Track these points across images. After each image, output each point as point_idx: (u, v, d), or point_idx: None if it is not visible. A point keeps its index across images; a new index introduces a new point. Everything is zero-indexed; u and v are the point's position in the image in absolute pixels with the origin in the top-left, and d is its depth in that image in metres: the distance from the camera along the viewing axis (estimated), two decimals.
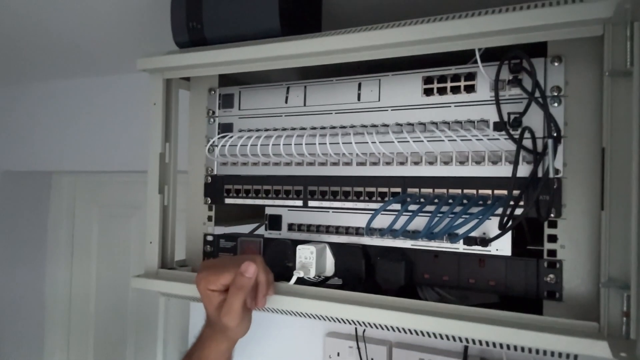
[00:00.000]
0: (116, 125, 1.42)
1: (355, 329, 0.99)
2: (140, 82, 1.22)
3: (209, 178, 0.76)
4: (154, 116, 0.75)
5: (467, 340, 0.54)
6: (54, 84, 1.54)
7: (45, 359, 1.71)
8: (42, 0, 0.91)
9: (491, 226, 0.57)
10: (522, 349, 0.52)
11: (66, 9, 0.94)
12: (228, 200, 0.74)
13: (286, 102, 0.70)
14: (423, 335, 0.57)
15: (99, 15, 0.96)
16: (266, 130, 0.71)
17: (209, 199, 0.76)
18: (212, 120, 0.76)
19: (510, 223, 0.54)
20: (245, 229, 0.83)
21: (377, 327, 0.59)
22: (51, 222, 1.74)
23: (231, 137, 0.71)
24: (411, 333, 0.57)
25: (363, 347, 0.98)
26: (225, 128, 0.75)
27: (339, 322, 0.61)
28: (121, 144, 1.39)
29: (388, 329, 0.58)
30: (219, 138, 0.73)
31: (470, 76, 0.59)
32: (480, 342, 0.53)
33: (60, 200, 1.75)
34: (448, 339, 0.56)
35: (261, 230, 0.75)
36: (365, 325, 0.60)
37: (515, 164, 0.53)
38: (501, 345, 0.52)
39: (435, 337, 0.56)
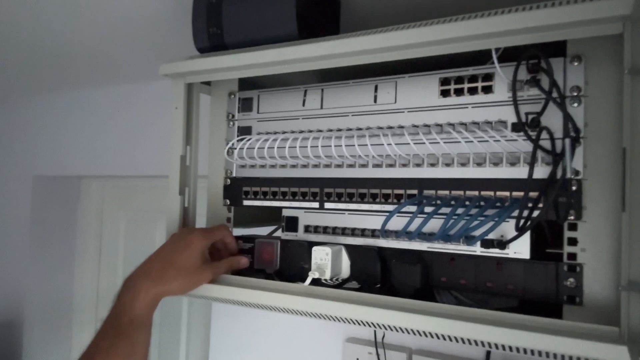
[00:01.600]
0: (143, 131, 1.45)
1: (375, 334, 0.98)
2: (166, 89, 1.25)
3: (228, 180, 0.77)
4: (176, 120, 0.77)
5: (484, 344, 0.53)
6: (82, 92, 1.59)
7: (72, 356, 1.75)
8: (69, 12, 0.94)
9: (509, 229, 0.56)
10: (540, 354, 0.51)
11: (93, 20, 0.98)
12: (246, 202, 0.75)
13: (303, 105, 0.71)
14: (442, 338, 0.56)
15: (124, 25, 0.99)
16: (284, 132, 0.72)
17: (227, 200, 0.77)
18: (231, 123, 0.77)
19: (527, 224, 0.53)
20: (263, 230, 0.83)
21: (394, 330, 0.58)
22: (80, 225, 1.79)
23: (249, 139, 0.72)
24: (430, 336, 0.56)
25: (382, 353, 0.98)
26: (244, 131, 0.76)
27: (355, 324, 0.60)
28: (148, 150, 1.43)
29: (405, 332, 0.58)
30: (237, 141, 0.74)
31: (488, 77, 0.58)
32: (497, 346, 0.52)
33: (89, 204, 1.80)
34: (464, 342, 0.55)
35: (279, 232, 0.76)
36: (383, 328, 0.59)
37: (532, 164, 0.52)
38: (517, 349, 0.51)
39: (453, 340, 0.55)
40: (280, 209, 0.73)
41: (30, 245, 1.67)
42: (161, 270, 0.65)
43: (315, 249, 0.64)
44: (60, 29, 1.04)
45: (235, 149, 0.74)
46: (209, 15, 0.74)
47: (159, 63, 0.78)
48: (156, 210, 1.65)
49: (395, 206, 0.61)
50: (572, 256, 0.53)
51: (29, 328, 1.68)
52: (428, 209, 0.59)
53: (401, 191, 0.63)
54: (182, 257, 0.66)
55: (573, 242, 0.53)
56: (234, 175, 0.76)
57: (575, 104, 0.53)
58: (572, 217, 0.52)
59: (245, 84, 0.78)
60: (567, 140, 0.51)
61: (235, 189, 0.76)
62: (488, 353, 0.87)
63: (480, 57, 0.58)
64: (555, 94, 0.52)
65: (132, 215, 1.75)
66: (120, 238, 1.76)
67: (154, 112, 1.41)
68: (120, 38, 1.07)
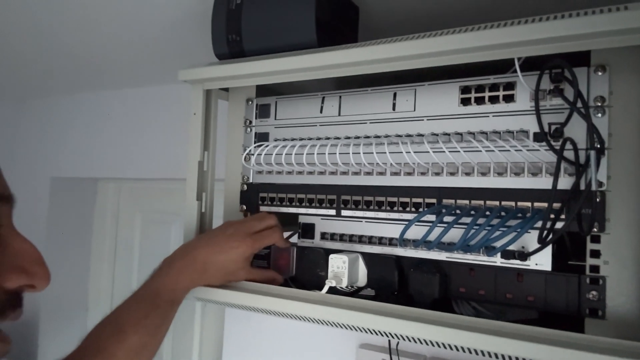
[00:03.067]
0: (159, 134, 1.46)
1: (389, 341, 0.97)
2: (182, 93, 1.26)
3: (245, 186, 0.77)
4: (194, 125, 0.77)
5: (503, 357, 0.53)
6: (100, 95, 1.61)
7: None
8: (88, 15, 0.95)
9: (530, 240, 0.55)
10: None
11: (114, 22, 0.98)
12: (263, 208, 0.75)
13: (321, 112, 0.71)
14: (458, 350, 0.55)
15: (145, 28, 1.00)
16: (301, 139, 0.72)
17: (244, 206, 0.77)
18: (249, 129, 0.77)
19: (550, 237, 0.52)
20: None
21: (410, 341, 0.58)
22: (96, 227, 1.80)
23: (267, 146, 0.72)
24: (446, 348, 0.56)
25: None
26: (262, 137, 0.76)
27: (371, 333, 0.60)
28: (163, 152, 1.44)
29: (422, 343, 0.57)
30: (255, 147, 0.74)
31: (510, 86, 0.58)
32: (516, 359, 0.52)
33: (104, 205, 1.81)
34: (484, 354, 0.54)
35: (294, 239, 0.75)
36: (399, 338, 0.59)
37: (556, 175, 0.52)
38: None
39: (471, 352, 0.54)
40: (296, 215, 0.73)
41: (47, 246, 1.68)
42: (203, 266, 0.68)
43: (332, 256, 0.64)
44: (80, 31, 1.05)
45: (253, 155, 0.74)
46: (228, 22, 0.75)
47: (177, 66, 0.78)
48: (171, 212, 1.66)
49: (414, 215, 0.61)
50: (595, 269, 0.52)
51: (45, 327, 1.70)
52: (447, 219, 0.59)
53: (419, 200, 0.63)
54: (225, 260, 0.68)
55: (596, 254, 0.52)
56: (250, 181, 0.77)
57: (599, 114, 0.52)
58: (595, 230, 0.51)
59: (263, 90, 0.78)
60: (592, 152, 0.50)
61: (251, 194, 0.76)
62: None
63: (502, 66, 0.57)
64: (579, 104, 0.51)
65: (148, 217, 1.76)
66: (135, 239, 1.77)
67: (170, 115, 1.42)
68: (140, 41, 1.08)
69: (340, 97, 0.70)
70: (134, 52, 1.16)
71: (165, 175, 1.42)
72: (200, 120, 0.77)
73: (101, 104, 1.61)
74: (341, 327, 0.62)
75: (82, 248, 1.77)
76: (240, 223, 0.71)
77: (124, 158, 1.54)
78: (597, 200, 0.51)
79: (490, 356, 0.54)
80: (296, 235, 0.73)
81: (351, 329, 0.61)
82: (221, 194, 0.80)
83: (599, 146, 0.51)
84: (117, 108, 1.57)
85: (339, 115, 0.69)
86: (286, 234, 0.85)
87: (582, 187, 0.52)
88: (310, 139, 0.71)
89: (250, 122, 0.77)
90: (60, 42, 1.12)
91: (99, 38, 1.08)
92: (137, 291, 0.67)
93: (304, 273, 0.70)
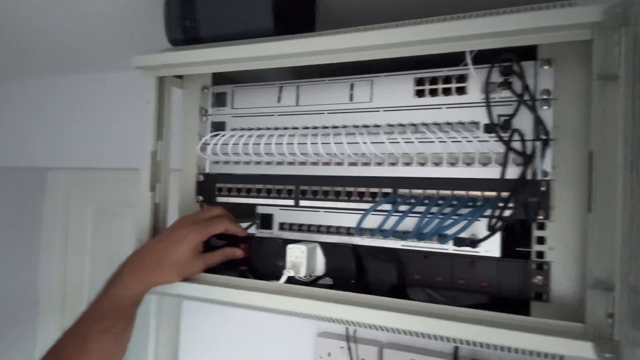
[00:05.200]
0: (111, 122, 1.41)
1: (347, 329, 0.99)
2: (136, 80, 1.22)
3: (201, 176, 0.76)
4: (147, 114, 0.75)
5: (455, 340, 0.55)
6: (49, 81, 1.54)
7: (37, 351, 1.70)
8: None
9: (481, 227, 0.57)
10: (509, 350, 0.52)
11: (62, 7, 0.94)
12: (220, 199, 0.74)
13: (279, 101, 0.70)
14: (412, 335, 0.57)
15: (94, 12, 0.96)
16: (258, 129, 0.71)
17: (200, 197, 0.76)
18: (205, 118, 0.76)
19: (498, 224, 0.54)
20: None
21: (367, 327, 0.59)
22: (46, 218, 1.74)
23: (223, 135, 0.72)
24: (400, 333, 0.57)
25: (354, 347, 0.99)
26: (218, 126, 0.75)
27: (329, 321, 0.61)
28: (116, 141, 1.39)
29: (378, 329, 0.59)
30: (211, 136, 0.73)
31: (462, 78, 0.59)
32: (468, 342, 0.54)
33: (55, 196, 1.75)
34: (436, 339, 0.56)
35: (253, 229, 0.75)
36: (356, 325, 0.60)
37: (504, 165, 0.54)
38: (488, 346, 0.52)
39: (424, 337, 0.56)
40: (254, 205, 0.72)
41: None
42: (155, 262, 0.68)
43: (290, 246, 0.64)
44: (27, 13, 1.00)
45: (209, 144, 0.73)
46: (183, 7, 0.73)
47: (131, 53, 0.76)
48: (125, 203, 1.61)
49: (371, 204, 0.62)
50: (541, 254, 0.55)
51: None
52: (402, 208, 0.60)
53: (376, 189, 0.64)
54: (172, 252, 0.67)
55: (541, 240, 0.55)
56: (207, 171, 0.76)
57: (545, 107, 0.54)
58: (540, 217, 0.54)
59: (219, 78, 0.77)
60: (538, 143, 0.52)
61: (208, 185, 0.75)
62: (456, 347, 0.89)
63: (455, 58, 0.59)
64: (526, 97, 0.53)
65: (100, 208, 1.70)
66: (87, 231, 1.72)
67: (123, 102, 1.38)
68: (90, 26, 1.04)
69: (298, 87, 0.69)
70: (87, 36, 1.11)
71: (119, 165, 1.38)
72: (153, 109, 0.75)
73: (51, 91, 1.54)
74: (299, 315, 0.63)
75: (31, 241, 1.70)
76: (187, 215, 0.72)
77: (75, 147, 1.48)
78: (543, 189, 0.54)
79: (443, 340, 0.56)
80: (254, 226, 0.73)
81: (310, 317, 0.61)
82: (177, 184, 0.78)
83: (544, 137, 0.53)
84: (68, 95, 1.51)
85: (297, 105, 0.69)
86: (244, 225, 0.84)
87: (529, 176, 0.54)
88: (268, 128, 0.71)
89: (206, 110, 0.76)
90: (7, 25, 1.06)
91: (47, 21, 1.03)
92: (95, 302, 0.66)
93: (263, 263, 0.70)
